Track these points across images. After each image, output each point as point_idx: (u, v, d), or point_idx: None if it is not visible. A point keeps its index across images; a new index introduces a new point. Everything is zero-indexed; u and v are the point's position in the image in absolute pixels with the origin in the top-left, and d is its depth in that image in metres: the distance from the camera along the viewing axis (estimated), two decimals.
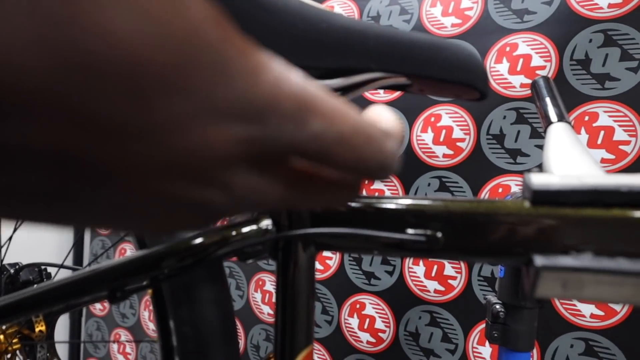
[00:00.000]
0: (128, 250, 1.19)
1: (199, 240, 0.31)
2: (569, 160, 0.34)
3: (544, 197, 0.26)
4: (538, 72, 0.72)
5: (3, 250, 0.54)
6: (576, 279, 0.24)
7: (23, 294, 0.32)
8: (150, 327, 1.14)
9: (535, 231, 0.25)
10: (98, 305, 1.26)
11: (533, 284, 0.25)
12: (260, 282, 0.98)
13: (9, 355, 0.50)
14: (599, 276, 0.24)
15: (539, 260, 0.25)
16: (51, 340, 0.51)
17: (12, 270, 0.50)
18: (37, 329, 0.50)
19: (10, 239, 0.51)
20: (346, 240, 0.29)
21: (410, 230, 0.28)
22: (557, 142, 0.37)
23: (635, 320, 0.66)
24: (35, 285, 0.33)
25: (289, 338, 0.30)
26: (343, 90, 0.30)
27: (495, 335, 0.54)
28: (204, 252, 0.30)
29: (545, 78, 0.46)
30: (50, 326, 0.50)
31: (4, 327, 0.50)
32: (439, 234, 0.27)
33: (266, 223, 0.31)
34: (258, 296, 0.98)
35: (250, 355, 1.00)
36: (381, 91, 0.85)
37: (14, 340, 0.50)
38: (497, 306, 0.54)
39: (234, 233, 0.31)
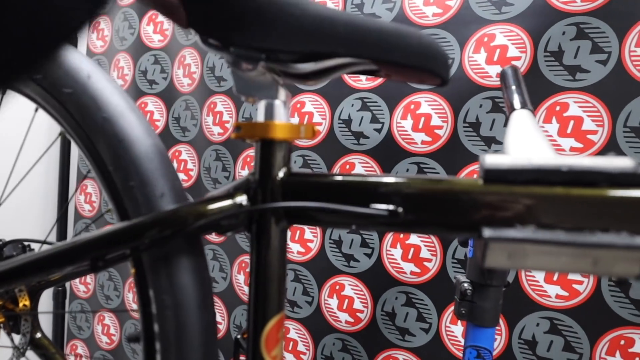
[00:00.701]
0: None
1: (178, 213, 0.33)
2: (525, 143, 0.36)
3: (494, 176, 0.28)
4: (514, 62, 0.74)
5: None
6: (520, 249, 0.27)
7: (7, 264, 0.34)
8: (134, 308, 1.16)
9: (486, 206, 0.28)
10: (82, 287, 1.27)
11: (483, 255, 0.28)
12: (244, 265, 1.00)
13: None
14: (539, 247, 0.27)
15: (487, 232, 0.27)
16: (34, 316, 0.53)
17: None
18: (20, 304, 0.51)
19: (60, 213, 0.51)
20: (315, 213, 0.31)
21: (374, 205, 0.30)
22: (518, 127, 0.39)
23: (596, 301, 0.70)
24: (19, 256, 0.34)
25: (261, 306, 0.33)
26: (312, 75, 0.32)
27: (463, 312, 0.57)
28: (182, 224, 0.32)
29: (513, 68, 0.48)
30: (34, 301, 0.52)
31: None
32: (400, 209, 0.30)
33: (241, 198, 0.33)
34: (241, 278, 1.00)
35: (232, 335, 1.03)
36: (363, 78, 0.86)
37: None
38: (465, 284, 0.57)
39: (210, 207, 0.33)
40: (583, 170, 0.27)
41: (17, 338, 0.51)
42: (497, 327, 0.77)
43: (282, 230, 0.33)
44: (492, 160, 0.28)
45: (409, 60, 0.30)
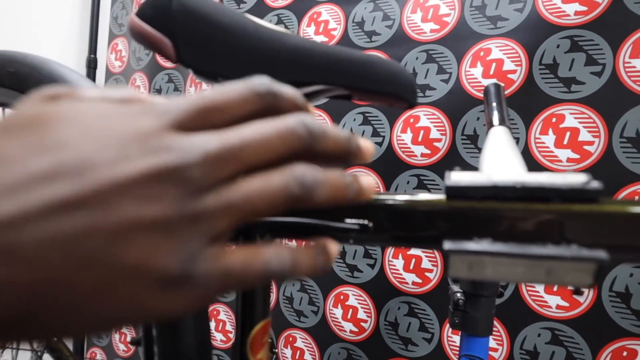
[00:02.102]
0: None
1: None
2: (498, 159, 0.38)
3: (455, 192, 0.30)
4: (509, 76, 0.76)
5: None
6: (478, 261, 0.29)
7: None
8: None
9: (447, 220, 0.30)
10: None
11: (446, 266, 0.30)
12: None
13: None
14: (495, 258, 0.28)
15: (447, 245, 0.29)
16: None
17: None
18: None
19: None
20: (294, 228, 0.34)
21: (347, 220, 0.33)
22: (494, 143, 0.41)
23: (597, 312, 0.70)
24: None
25: (248, 313, 0.35)
26: None
27: (457, 321, 0.58)
28: None
29: (496, 85, 0.50)
30: None
31: None
32: (370, 224, 0.32)
33: None
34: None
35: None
36: None
37: None
38: (458, 294, 0.58)
39: None
40: (536, 187, 0.29)
41: (35, 343, 0.56)
42: (499, 338, 0.77)
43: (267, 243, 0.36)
44: (453, 178, 0.30)
45: (377, 87, 0.32)
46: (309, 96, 0.36)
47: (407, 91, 0.33)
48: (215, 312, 1.09)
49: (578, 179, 0.28)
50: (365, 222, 0.32)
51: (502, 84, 0.52)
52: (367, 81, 0.32)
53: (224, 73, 0.33)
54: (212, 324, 1.08)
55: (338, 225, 0.33)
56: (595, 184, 0.28)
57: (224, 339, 1.07)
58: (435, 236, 0.31)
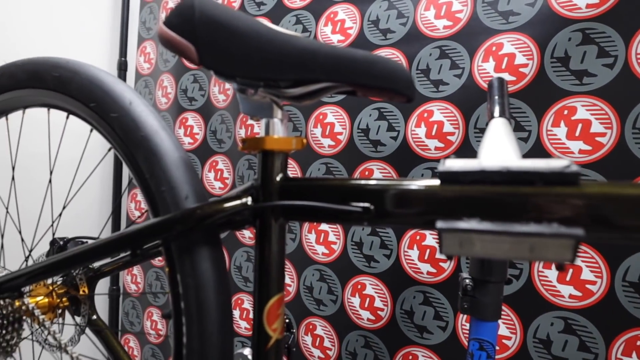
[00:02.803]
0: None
1: (197, 211, 0.41)
2: (495, 148, 0.41)
3: (447, 177, 0.33)
4: (521, 69, 0.77)
5: (54, 226, 0.66)
6: (467, 238, 0.32)
7: (70, 252, 0.43)
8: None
9: (440, 202, 0.33)
10: (133, 287, 1.41)
11: (439, 244, 0.33)
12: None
13: (60, 310, 0.62)
14: (483, 236, 0.32)
15: (440, 224, 0.32)
16: (92, 300, 0.63)
17: (61, 242, 0.62)
18: (81, 290, 0.61)
19: (60, 215, 0.63)
20: (306, 210, 0.38)
21: (353, 203, 0.37)
22: (493, 133, 0.44)
23: (610, 301, 0.71)
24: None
25: (264, 288, 0.40)
26: (303, 97, 0.39)
27: (465, 306, 0.61)
28: (201, 220, 0.40)
29: (500, 79, 0.53)
30: (91, 288, 0.62)
31: (56, 288, 0.62)
32: (372, 206, 0.36)
33: (246, 199, 0.40)
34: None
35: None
36: None
37: (64, 299, 0.62)
38: (467, 280, 0.61)
39: (223, 206, 0.40)
40: (520, 172, 0.31)
41: (78, 319, 0.62)
42: (512, 326, 0.79)
43: (281, 225, 0.40)
44: (446, 164, 0.34)
45: (376, 83, 0.36)
46: (317, 92, 0.39)
47: (405, 87, 0.36)
48: (239, 301, 1.14)
49: (559, 164, 0.31)
50: (367, 205, 0.36)
51: (505, 79, 0.54)
52: (369, 78, 0.36)
53: (241, 73, 0.38)
54: (237, 312, 1.14)
55: (342, 208, 0.37)
56: (575, 168, 0.30)
57: (248, 326, 1.12)
58: (429, 216, 0.34)
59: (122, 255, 0.62)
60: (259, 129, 1.12)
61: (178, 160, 0.45)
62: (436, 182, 0.34)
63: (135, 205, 1.43)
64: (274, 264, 0.40)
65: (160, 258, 1.29)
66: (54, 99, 0.55)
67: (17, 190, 0.71)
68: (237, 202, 0.40)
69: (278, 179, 0.40)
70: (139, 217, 1.06)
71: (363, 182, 0.36)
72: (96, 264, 0.63)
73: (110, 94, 0.49)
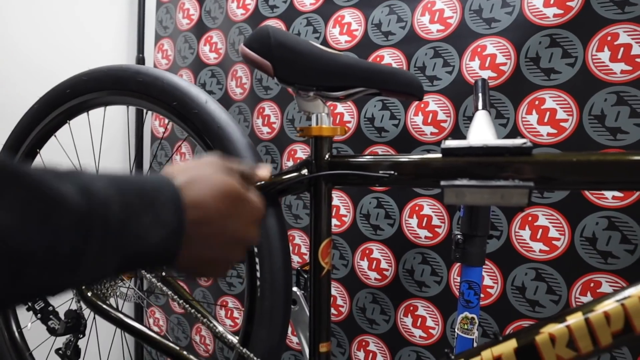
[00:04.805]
0: None
1: (263, 182, 0.57)
2: (479, 131, 0.58)
3: (447, 152, 0.50)
4: (501, 67, 0.94)
5: None
6: (461, 191, 0.49)
7: None
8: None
9: (442, 169, 0.50)
10: None
11: (442, 196, 0.50)
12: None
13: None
14: (470, 189, 0.48)
15: (442, 183, 0.49)
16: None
17: None
18: None
19: None
20: (347, 178, 0.54)
21: (380, 171, 0.53)
22: (477, 121, 0.60)
23: (571, 253, 0.89)
24: None
25: (318, 232, 0.56)
26: (343, 98, 0.55)
27: (457, 256, 0.78)
28: (270, 187, 0.56)
29: (483, 80, 0.69)
30: None
31: None
32: (395, 173, 0.52)
33: (304, 171, 0.57)
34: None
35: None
36: None
37: None
38: (458, 235, 0.78)
39: (286, 177, 0.56)
40: (494, 147, 0.48)
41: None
42: (494, 277, 0.97)
43: (329, 190, 0.57)
44: (446, 143, 0.50)
45: (398, 88, 0.52)
46: (353, 94, 0.55)
47: (417, 91, 0.52)
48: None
49: (519, 142, 0.48)
50: (392, 172, 0.52)
51: (487, 79, 0.70)
52: (392, 85, 0.52)
53: (302, 82, 0.53)
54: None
55: (374, 174, 0.53)
56: (529, 144, 0.47)
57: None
58: (435, 179, 0.51)
59: None
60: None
61: (246, 144, 0.61)
62: (439, 155, 0.51)
63: None
64: (325, 217, 0.56)
65: None
66: (135, 99, 0.70)
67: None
68: (297, 173, 0.57)
69: (326, 157, 0.56)
70: None
71: (388, 157, 0.53)
72: None
73: (189, 95, 0.64)
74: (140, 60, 1.64)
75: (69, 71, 0.78)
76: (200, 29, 1.47)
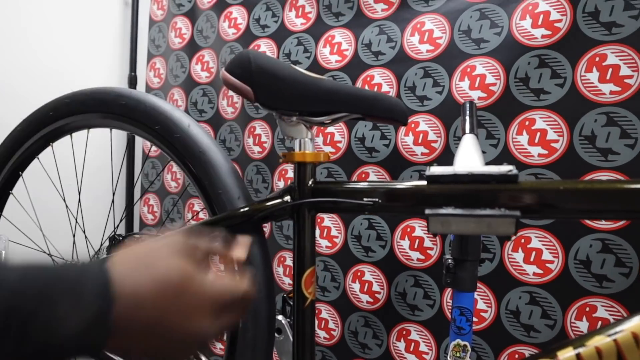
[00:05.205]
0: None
1: (247, 209, 0.55)
2: (466, 157, 0.56)
3: (431, 179, 0.49)
4: (490, 88, 0.94)
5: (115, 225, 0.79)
6: (446, 220, 0.47)
7: None
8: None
9: (427, 197, 0.48)
10: None
11: (427, 225, 0.48)
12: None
13: None
14: (456, 218, 0.47)
15: (427, 211, 0.48)
16: None
17: (120, 238, 0.75)
18: None
19: (122, 218, 0.76)
20: (330, 205, 0.53)
21: (365, 199, 0.52)
22: (464, 146, 0.59)
23: (565, 276, 0.88)
24: None
25: (301, 261, 0.54)
26: (327, 123, 0.54)
27: (448, 281, 0.76)
28: (252, 215, 0.55)
29: (470, 103, 0.68)
30: None
31: None
32: (379, 200, 0.51)
33: (287, 198, 0.55)
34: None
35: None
36: None
37: None
38: (449, 260, 0.76)
39: (268, 204, 0.55)
40: (480, 174, 0.47)
41: None
42: (487, 301, 0.95)
43: (312, 217, 0.55)
44: (431, 170, 0.49)
45: (381, 114, 0.51)
46: (337, 119, 0.54)
47: (400, 116, 0.51)
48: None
49: (505, 169, 0.47)
50: (376, 199, 0.51)
51: (475, 102, 0.70)
52: (375, 110, 0.51)
53: (283, 107, 0.52)
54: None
55: (358, 202, 0.52)
56: (515, 171, 0.46)
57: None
58: (420, 206, 0.49)
59: None
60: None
61: (229, 169, 0.60)
62: (424, 182, 0.49)
63: (148, 209, 1.55)
64: (309, 245, 0.54)
65: None
66: (118, 122, 0.69)
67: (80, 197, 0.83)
68: (279, 200, 0.55)
69: (310, 183, 0.54)
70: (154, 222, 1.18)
71: (372, 183, 0.51)
72: None
73: (172, 119, 0.63)
74: (133, 78, 1.63)
75: (62, 91, 0.77)
76: (192, 47, 1.47)
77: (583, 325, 0.86)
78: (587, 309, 0.86)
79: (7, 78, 1.30)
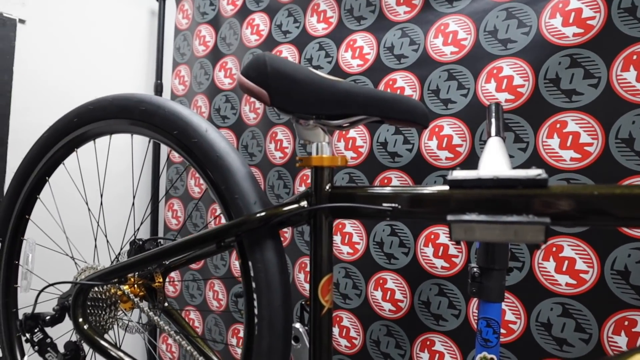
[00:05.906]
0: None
1: (263, 214, 0.54)
2: (491, 161, 0.54)
3: (454, 184, 0.46)
4: (519, 89, 0.90)
5: (136, 227, 0.80)
6: (470, 227, 0.45)
7: (163, 247, 0.57)
8: (213, 304, 1.41)
9: (449, 202, 0.46)
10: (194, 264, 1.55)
11: (450, 232, 0.46)
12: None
13: (138, 298, 0.75)
14: (480, 225, 0.44)
15: (449, 217, 0.45)
16: (163, 290, 0.77)
17: (140, 242, 0.76)
18: (156, 281, 0.75)
19: (142, 223, 0.77)
20: (348, 211, 0.51)
21: (384, 204, 0.50)
22: (490, 149, 0.56)
23: (601, 288, 0.82)
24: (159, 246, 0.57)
25: (318, 268, 0.53)
26: (344, 126, 0.52)
27: (474, 290, 0.73)
28: (268, 220, 0.53)
29: (496, 104, 0.65)
30: (164, 279, 0.76)
31: (136, 280, 0.75)
32: (399, 206, 0.49)
33: (304, 203, 0.54)
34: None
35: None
36: None
37: (142, 289, 0.76)
38: (475, 269, 0.73)
39: (285, 209, 0.54)
40: (506, 179, 0.44)
41: (145, 305, 0.75)
42: (517, 312, 0.91)
43: (329, 222, 0.53)
44: (452, 174, 0.46)
45: (400, 116, 0.49)
46: (355, 123, 0.53)
47: (421, 119, 0.49)
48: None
49: (533, 173, 0.44)
50: (396, 205, 0.49)
51: (501, 104, 0.67)
52: (394, 112, 0.49)
53: (299, 111, 0.51)
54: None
55: (377, 207, 0.50)
56: (544, 175, 0.43)
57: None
58: (441, 213, 0.47)
59: (188, 253, 0.75)
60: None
61: (246, 174, 0.59)
62: (446, 187, 0.47)
63: (172, 214, 1.58)
64: (325, 251, 0.53)
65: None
66: (138, 128, 0.69)
67: (102, 202, 0.85)
68: (296, 205, 0.54)
69: (327, 188, 0.53)
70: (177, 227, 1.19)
71: (392, 188, 0.49)
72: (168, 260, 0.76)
73: (190, 124, 0.63)
74: (159, 86, 1.67)
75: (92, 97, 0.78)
76: (215, 55, 1.49)
77: (622, 341, 0.80)
78: (626, 322, 0.81)
79: (48, 85, 1.35)
